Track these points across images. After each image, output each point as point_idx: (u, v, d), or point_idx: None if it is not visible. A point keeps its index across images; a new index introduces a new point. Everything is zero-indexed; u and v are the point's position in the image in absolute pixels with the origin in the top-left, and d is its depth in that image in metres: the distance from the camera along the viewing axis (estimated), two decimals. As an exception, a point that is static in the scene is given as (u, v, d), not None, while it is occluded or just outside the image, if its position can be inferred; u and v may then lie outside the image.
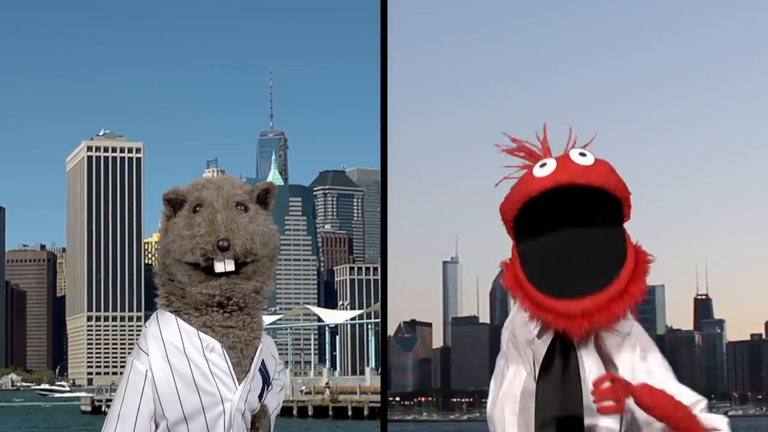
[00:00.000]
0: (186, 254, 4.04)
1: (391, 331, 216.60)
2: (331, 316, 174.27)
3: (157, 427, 4.13)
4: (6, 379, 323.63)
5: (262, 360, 4.22)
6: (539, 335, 3.80)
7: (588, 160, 3.68)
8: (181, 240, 4.05)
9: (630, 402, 3.62)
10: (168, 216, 4.14)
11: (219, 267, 4.02)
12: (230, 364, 4.10)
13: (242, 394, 4.11)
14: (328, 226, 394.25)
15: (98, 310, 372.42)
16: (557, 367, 3.75)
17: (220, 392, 4.08)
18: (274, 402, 4.30)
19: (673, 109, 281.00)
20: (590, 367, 3.76)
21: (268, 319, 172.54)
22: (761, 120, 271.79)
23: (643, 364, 3.74)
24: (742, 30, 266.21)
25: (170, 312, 4.16)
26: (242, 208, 4.11)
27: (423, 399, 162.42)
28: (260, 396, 4.20)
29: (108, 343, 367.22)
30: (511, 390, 3.87)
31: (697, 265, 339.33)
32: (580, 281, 3.64)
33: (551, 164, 3.70)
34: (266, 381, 4.24)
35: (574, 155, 3.70)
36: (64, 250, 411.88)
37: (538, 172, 3.69)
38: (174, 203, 4.13)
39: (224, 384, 4.09)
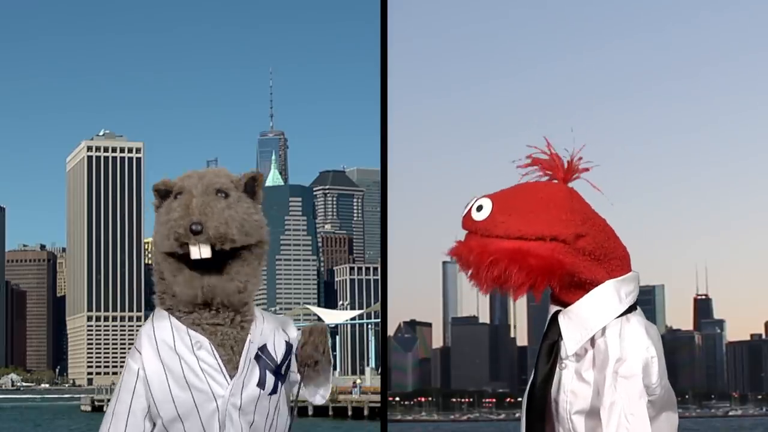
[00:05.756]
0: (164, 241, 4.04)
1: (391, 331, 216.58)
2: (331, 316, 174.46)
3: (153, 426, 4.15)
4: (6, 379, 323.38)
5: (264, 345, 4.20)
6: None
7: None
8: (160, 227, 4.06)
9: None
10: (156, 206, 4.17)
11: (194, 252, 3.98)
12: (219, 360, 4.10)
13: (234, 390, 4.09)
14: (328, 226, 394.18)
15: (98, 310, 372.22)
16: (540, 379, 3.80)
17: (211, 388, 4.08)
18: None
19: (672, 107, 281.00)
20: (568, 380, 3.80)
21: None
22: (762, 119, 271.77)
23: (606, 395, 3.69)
24: (746, 23, 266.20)
25: (164, 310, 4.17)
26: (222, 194, 4.08)
27: (423, 399, 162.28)
28: (267, 382, 4.17)
29: (108, 343, 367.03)
30: None
31: (697, 265, 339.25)
32: None
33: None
34: (269, 366, 4.20)
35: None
36: (64, 250, 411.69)
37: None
38: (162, 194, 4.15)
39: (215, 380, 4.09)
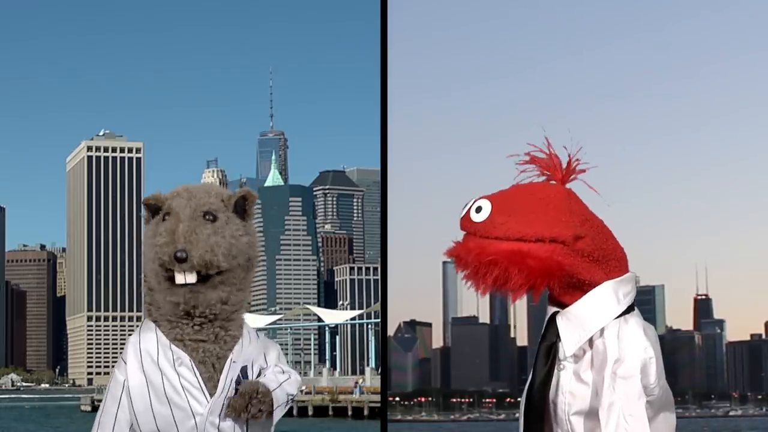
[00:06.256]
0: (149, 263, 4.08)
1: (391, 331, 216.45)
2: (331, 316, 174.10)
3: None
4: (6, 379, 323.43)
5: (243, 368, 4.20)
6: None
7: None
8: (146, 248, 4.10)
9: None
10: (146, 220, 4.18)
11: (179, 279, 4.01)
12: (200, 378, 4.12)
13: (213, 409, 4.11)
14: (328, 226, 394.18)
15: (98, 310, 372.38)
16: (538, 380, 3.82)
17: (190, 406, 4.10)
18: (273, 383, 4.22)
19: (672, 107, 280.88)
20: (566, 381, 3.81)
21: (268, 319, 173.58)
22: (762, 119, 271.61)
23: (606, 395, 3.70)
24: (746, 23, 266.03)
25: (151, 321, 4.20)
26: (210, 218, 4.06)
27: (423, 399, 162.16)
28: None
29: (108, 343, 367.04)
30: None
31: (697, 265, 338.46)
32: None
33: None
34: None
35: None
36: (64, 250, 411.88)
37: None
38: (152, 209, 4.15)
39: (195, 398, 4.11)
